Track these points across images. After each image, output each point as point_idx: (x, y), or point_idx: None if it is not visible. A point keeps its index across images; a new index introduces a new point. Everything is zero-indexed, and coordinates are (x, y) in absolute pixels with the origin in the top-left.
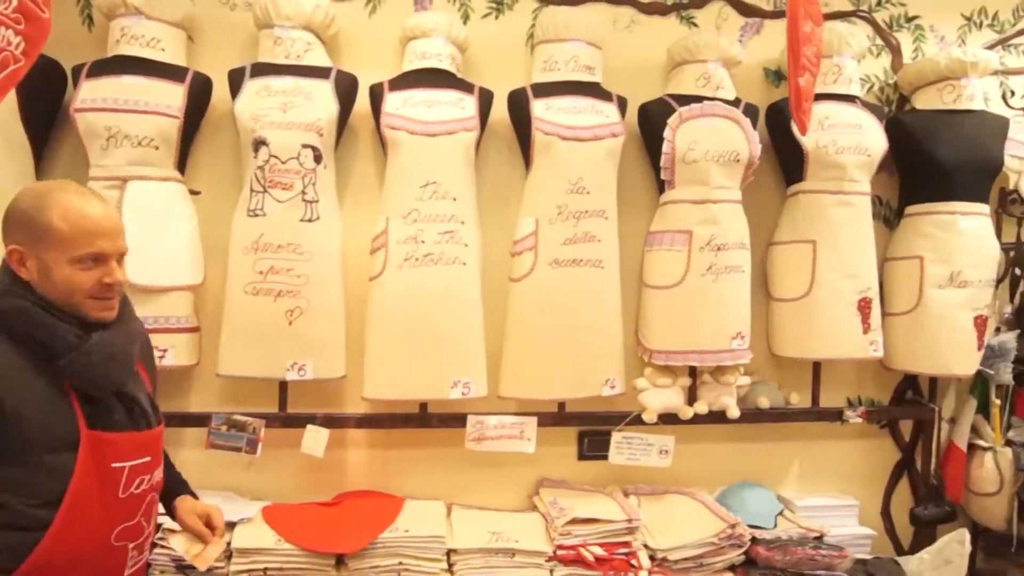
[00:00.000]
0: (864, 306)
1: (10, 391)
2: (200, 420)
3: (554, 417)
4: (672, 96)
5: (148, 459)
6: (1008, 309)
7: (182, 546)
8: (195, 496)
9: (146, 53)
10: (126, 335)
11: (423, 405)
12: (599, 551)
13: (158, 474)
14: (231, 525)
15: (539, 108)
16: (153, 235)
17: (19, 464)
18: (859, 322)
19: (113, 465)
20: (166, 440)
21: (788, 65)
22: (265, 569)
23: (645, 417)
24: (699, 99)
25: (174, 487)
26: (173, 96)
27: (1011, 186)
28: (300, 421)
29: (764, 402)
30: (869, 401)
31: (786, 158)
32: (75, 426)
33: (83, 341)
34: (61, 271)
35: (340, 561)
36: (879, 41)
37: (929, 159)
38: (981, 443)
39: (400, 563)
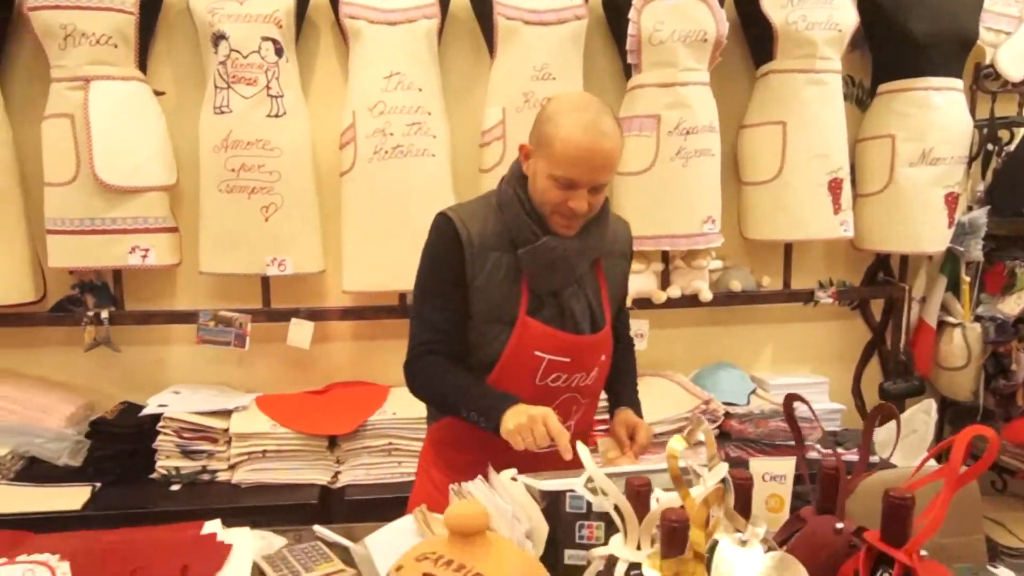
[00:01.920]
0: (835, 187)
1: (482, 269)
2: (189, 317)
3: None
4: None
5: (568, 360)
6: (981, 187)
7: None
8: (639, 416)
9: None
10: (577, 250)
11: (402, 296)
12: None
13: (582, 380)
14: (227, 413)
15: None
16: (122, 136)
17: (472, 328)
18: (830, 203)
19: (535, 353)
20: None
21: None
22: (264, 451)
23: None
24: None
25: (622, 401)
26: None
27: (986, 61)
28: (284, 315)
29: (736, 285)
30: (840, 283)
31: (755, 37)
32: (517, 309)
33: (536, 240)
34: (542, 180)
35: (333, 443)
36: None
37: (901, 32)
38: (950, 319)
39: (389, 443)
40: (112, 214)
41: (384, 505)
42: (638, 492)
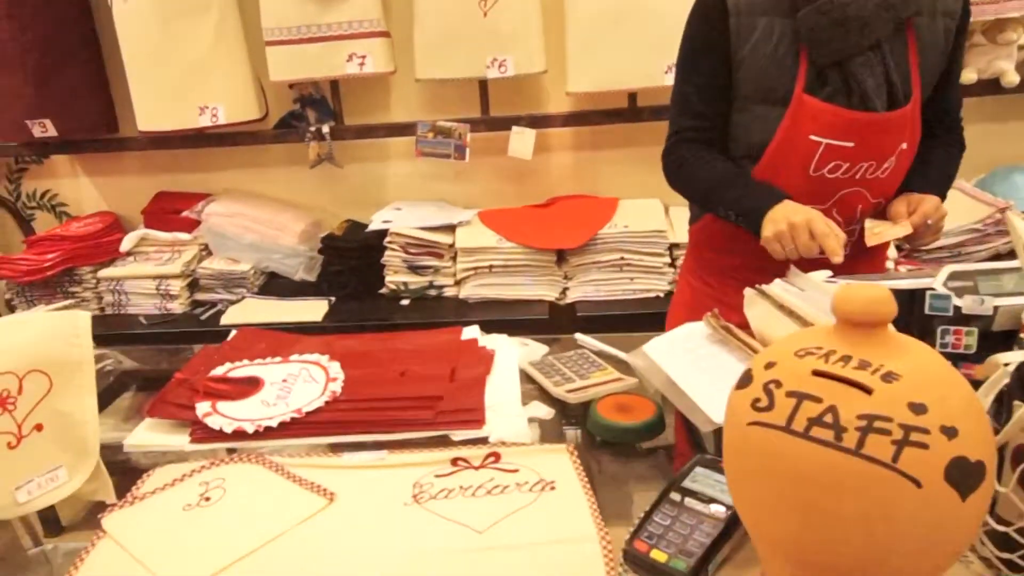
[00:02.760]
0: None
1: (748, 38)
2: (406, 129)
3: None
4: None
5: (851, 144)
6: None
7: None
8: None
9: None
10: (875, 5)
11: (632, 97)
12: None
13: (870, 171)
14: (451, 228)
15: None
16: None
17: (736, 111)
18: None
19: (810, 137)
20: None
21: None
22: (491, 266)
23: None
24: None
25: (912, 186)
26: None
27: None
28: (504, 124)
29: None
30: None
31: None
32: (792, 84)
33: None
34: None
35: (561, 257)
36: None
37: None
38: None
39: (621, 258)
40: (327, 19)
41: (617, 322)
42: None
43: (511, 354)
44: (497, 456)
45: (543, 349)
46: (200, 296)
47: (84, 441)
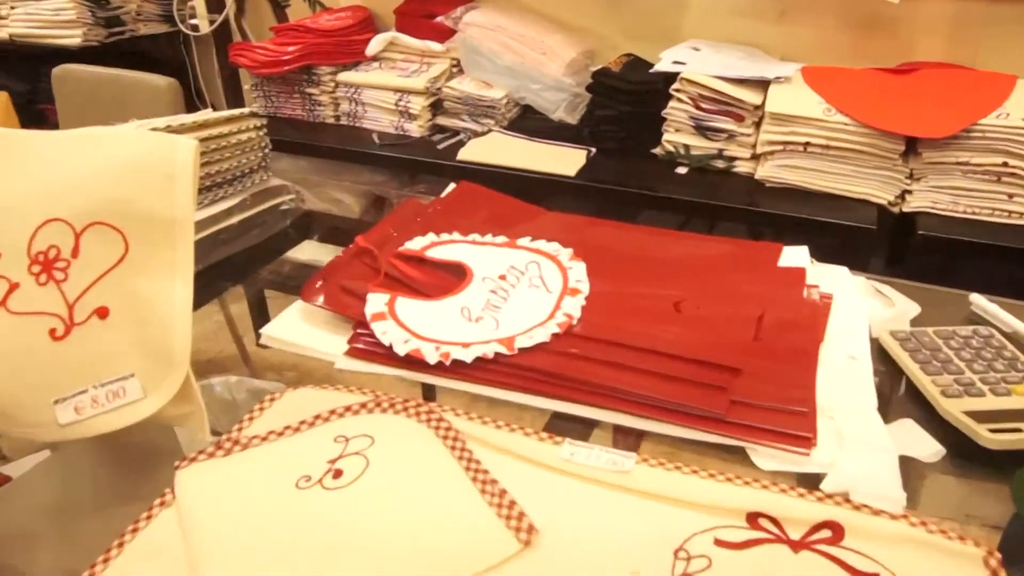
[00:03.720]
0: None
1: None
2: None
3: None
4: None
5: None
6: None
7: None
8: None
9: None
10: None
11: None
12: None
13: None
14: (762, 84)
15: None
16: None
17: None
18: None
19: None
20: None
21: None
22: (806, 144)
23: None
24: None
25: None
26: None
27: None
28: None
29: None
30: None
31: None
32: None
33: None
34: None
35: (911, 149)
36: None
37: None
38: None
39: (1004, 164)
40: None
41: (975, 254)
42: None
43: (859, 308)
44: (838, 532)
45: (912, 308)
46: (442, 120)
47: (169, 342)
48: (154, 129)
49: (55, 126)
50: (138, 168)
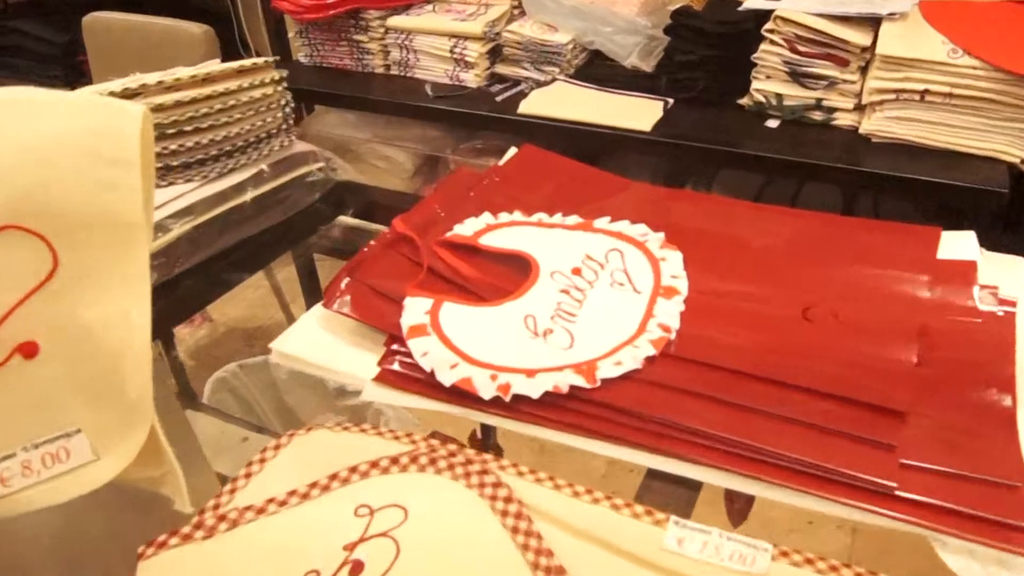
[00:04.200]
0: None
1: None
2: None
3: None
4: None
5: None
6: None
7: None
8: None
9: None
10: None
11: None
12: None
13: None
14: (871, 22)
15: None
16: None
17: None
18: None
19: None
20: None
21: None
22: (925, 91)
23: None
24: None
25: None
26: None
27: None
28: None
29: None
30: None
31: None
32: None
33: None
34: None
35: None
36: None
37: None
38: None
39: None
40: None
41: None
42: None
43: None
44: None
45: None
46: (501, 69)
47: (123, 385)
48: (142, 85)
49: (90, 80)
50: (70, 150)
